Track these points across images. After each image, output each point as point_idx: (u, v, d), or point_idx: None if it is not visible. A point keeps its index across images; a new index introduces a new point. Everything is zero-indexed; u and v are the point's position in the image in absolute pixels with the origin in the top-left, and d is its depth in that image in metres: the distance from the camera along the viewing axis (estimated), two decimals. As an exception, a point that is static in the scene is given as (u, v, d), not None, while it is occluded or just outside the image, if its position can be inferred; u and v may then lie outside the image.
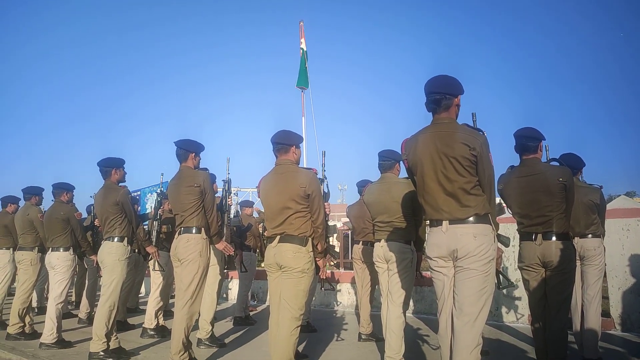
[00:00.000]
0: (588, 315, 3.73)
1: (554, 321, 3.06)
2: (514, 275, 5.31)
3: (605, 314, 5.20)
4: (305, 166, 3.51)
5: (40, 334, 4.82)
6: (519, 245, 3.28)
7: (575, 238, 3.67)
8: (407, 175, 3.88)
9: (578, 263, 3.65)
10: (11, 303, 5.36)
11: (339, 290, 7.89)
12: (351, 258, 5.81)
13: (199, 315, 4.63)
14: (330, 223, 3.61)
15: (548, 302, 3.10)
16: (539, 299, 3.16)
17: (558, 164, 3.35)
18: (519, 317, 5.89)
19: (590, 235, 3.76)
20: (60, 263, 4.90)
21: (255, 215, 7.08)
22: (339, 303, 7.85)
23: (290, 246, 3.09)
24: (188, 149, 3.97)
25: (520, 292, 5.84)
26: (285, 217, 3.12)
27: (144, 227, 5.41)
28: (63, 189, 5.25)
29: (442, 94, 2.45)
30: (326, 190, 3.66)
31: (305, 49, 11.46)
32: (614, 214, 5.16)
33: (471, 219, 2.37)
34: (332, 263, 8.15)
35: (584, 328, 3.73)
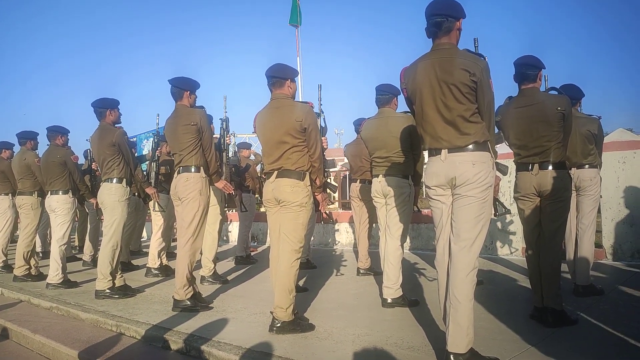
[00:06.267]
0: (582, 243, 3.82)
1: (548, 249, 3.11)
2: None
3: (598, 245, 5.33)
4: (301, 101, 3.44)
5: (46, 276, 4.94)
6: (515, 176, 3.30)
7: (572, 168, 3.71)
8: (404, 110, 3.86)
9: (573, 193, 3.70)
10: (15, 250, 5.46)
11: (337, 230, 8.04)
12: (349, 197, 5.87)
13: (201, 254, 4.74)
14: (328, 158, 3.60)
15: (542, 231, 3.15)
16: (533, 228, 3.21)
17: (557, 93, 3.31)
18: (513, 250, 6.05)
19: (587, 166, 3.79)
20: (60, 206, 4.94)
21: (252, 157, 7.08)
22: (337, 242, 8.03)
23: (287, 181, 3.09)
24: (182, 87, 3.88)
25: (515, 226, 5.96)
26: (282, 152, 3.10)
27: (142, 169, 5.41)
28: (58, 132, 5.21)
29: (443, 16, 2.37)
30: (323, 125, 3.62)
31: (296, -17, 11.00)
32: (611, 146, 5.18)
33: (470, 146, 2.36)
34: (331, 202, 8.24)
35: (577, 256, 3.84)
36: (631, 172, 5.32)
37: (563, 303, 3.08)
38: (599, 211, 4.45)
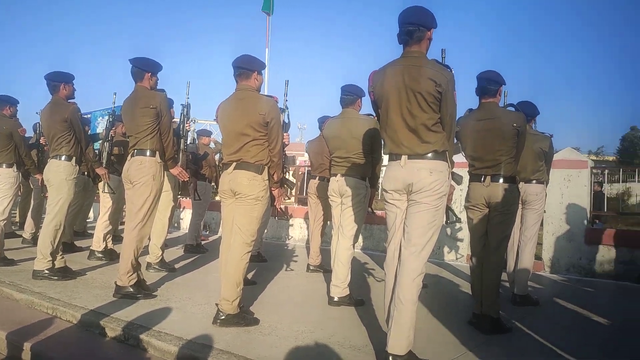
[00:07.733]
0: (522, 255, 4.00)
1: (492, 257, 3.24)
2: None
3: (537, 257, 5.59)
4: (265, 94, 3.41)
5: (-19, 252, 4.68)
6: (468, 186, 3.41)
7: (521, 183, 3.86)
8: (368, 112, 3.89)
9: (519, 206, 3.86)
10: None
11: (292, 225, 8.03)
12: (306, 193, 5.89)
13: (149, 240, 4.62)
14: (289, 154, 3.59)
15: (488, 240, 3.28)
16: (480, 238, 3.33)
17: (514, 109, 3.44)
18: (459, 257, 6.24)
19: (534, 181, 3.96)
20: (2, 179, 4.70)
21: (212, 145, 6.97)
22: (290, 237, 8.02)
23: (245, 173, 3.06)
24: (144, 68, 3.76)
25: (462, 233, 6.16)
26: (243, 144, 3.06)
27: (94, 148, 5.21)
28: (6, 102, 4.94)
29: (415, 25, 2.41)
30: (286, 121, 3.61)
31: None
32: (558, 164, 5.42)
33: (429, 155, 2.42)
34: (287, 197, 8.24)
35: (517, 267, 4.02)
36: (574, 189, 5.60)
37: (500, 311, 3.21)
38: (541, 225, 4.66)
